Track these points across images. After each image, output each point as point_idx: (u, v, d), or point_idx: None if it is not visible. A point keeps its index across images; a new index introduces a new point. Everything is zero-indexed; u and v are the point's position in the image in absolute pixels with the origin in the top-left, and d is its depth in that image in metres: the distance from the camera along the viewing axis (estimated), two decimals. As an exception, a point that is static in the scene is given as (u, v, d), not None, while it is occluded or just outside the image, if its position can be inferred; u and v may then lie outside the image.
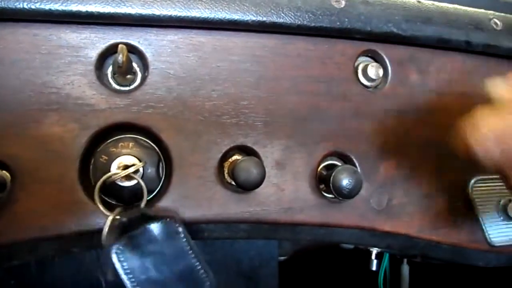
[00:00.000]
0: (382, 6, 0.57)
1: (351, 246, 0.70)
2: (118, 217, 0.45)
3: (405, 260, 0.90)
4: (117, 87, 0.51)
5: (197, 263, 0.47)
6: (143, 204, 0.46)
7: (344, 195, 0.52)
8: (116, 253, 0.45)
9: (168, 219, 0.45)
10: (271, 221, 0.54)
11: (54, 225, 0.47)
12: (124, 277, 0.46)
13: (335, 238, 0.60)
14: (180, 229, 0.46)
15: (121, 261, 0.46)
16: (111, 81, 0.51)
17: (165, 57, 0.51)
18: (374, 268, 0.74)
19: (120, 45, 0.45)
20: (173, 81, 0.52)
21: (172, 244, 0.46)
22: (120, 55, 0.44)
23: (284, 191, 0.55)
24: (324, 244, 1.10)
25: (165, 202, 0.51)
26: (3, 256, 0.48)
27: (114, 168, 0.46)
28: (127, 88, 0.51)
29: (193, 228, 0.54)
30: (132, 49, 0.51)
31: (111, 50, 0.51)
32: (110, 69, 0.51)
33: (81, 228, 0.48)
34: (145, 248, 0.46)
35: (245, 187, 0.48)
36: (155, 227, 0.46)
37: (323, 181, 0.57)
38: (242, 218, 0.54)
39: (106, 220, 0.45)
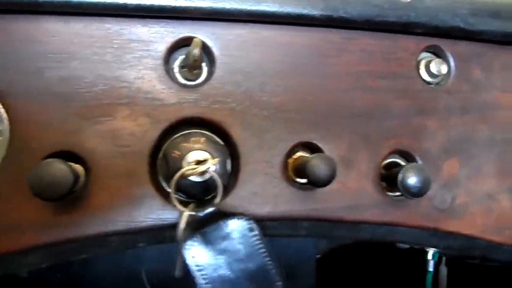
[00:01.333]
0: (449, 0, 0.55)
1: (407, 246, 0.69)
2: (192, 212, 0.45)
3: (444, 260, 0.89)
4: (184, 81, 0.51)
5: (270, 263, 0.46)
6: (218, 200, 0.46)
7: (413, 194, 0.51)
8: (188, 249, 0.45)
9: (242, 217, 0.45)
10: (336, 219, 0.53)
11: (125, 219, 0.47)
12: (196, 274, 0.46)
13: (394, 238, 0.59)
14: (254, 227, 0.45)
15: (193, 257, 0.45)
16: (177, 75, 0.51)
17: (231, 51, 0.51)
18: (431, 268, 0.72)
19: (195, 39, 0.44)
20: (240, 75, 0.51)
21: (246, 242, 0.46)
22: (196, 49, 0.44)
23: (348, 189, 0.54)
24: (360, 242, 1.08)
25: (232, 199, 0.50)
26: (75, 250, 0.48)
27: (186, 163, 0.46)
28: (194, 83, 0.51)
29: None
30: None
31: (179, 44, 0.50)
32: (176, 63, 0.51)
33: (151, 223, 0.47)
34: (218, 245, 0.46)
35: (318, 184, 0.47)
36: (229, 224, 0.45)
37: (385, 179, 0.56)
38: (307, 216, 0.53)
39: (181, 215, 0.44)
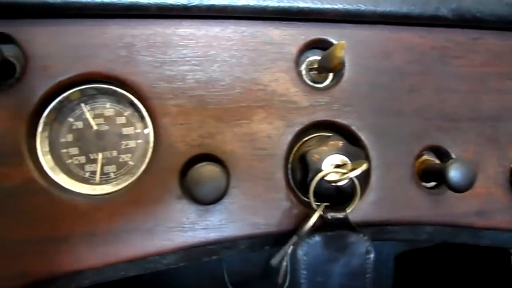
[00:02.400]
0: None
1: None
2: (328, 214, 0.44)
3: None
4: (312, 84, 0.50)
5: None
6: (352, 208, 0.45)
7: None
8: (304, 246, 0.44)
9: (365, 236, 0.44)
10: (465, 224, 0.52)
11: (264, 223, 0.47)
12: (301, 272, 0.45)
13: (516, 244, 0.57)
14: (371, 250, 0.44)
15: (305, 255, 0.44)
16: (305, 78, 0.51)
17: (360, 52, 0.50)
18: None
19: (341, 42, 0.44)
20: (369, 77, 0.50)
21: (358, 260, 0.44)
22: (342, 51, 0.43)
23: (477, 194, 0.52)
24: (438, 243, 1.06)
25: (362, 204, 0.49)
26: (209, 252, 0.48)
27: (326, 167, 0.45)
28: (323, 85, 0.51)
29: (379, 229, 0.52)
30: (327, 46, 0.50)
31: (309, 46, 0.50)
32: (303, 66, 0.51)
33: (288, 227, 0.47)
34: (332, 253, 0.45)
35: (458, 189, 0.46)
36: (351, 238, 0.44)
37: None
38: (435, 221, 0.52)
39: (314, 213, 0.44)
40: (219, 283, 0.92)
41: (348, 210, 0.45)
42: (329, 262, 0.45)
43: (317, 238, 0.44)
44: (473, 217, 0.52)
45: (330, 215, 0.45)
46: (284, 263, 0.59)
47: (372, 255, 0.45)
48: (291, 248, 0.48)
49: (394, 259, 1.01)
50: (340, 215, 0.46)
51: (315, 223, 0.45)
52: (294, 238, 0.46)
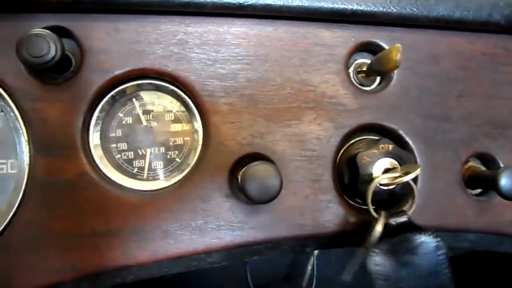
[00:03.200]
0: None
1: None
2: (390, 220, 0.44)
3: None
4: (360, 86, 0.50)
5: (450, 283, 0.44)
6: (411, 211, 0.44)
7: None
8: (374, 256, 0.44)
9: (431, 233, 0.43)
10: (511, 233, 0.51)
11: (312, 224, 0.46)
12: (378, 282, 0.45)
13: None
14: (441, 246, 0.43)
15: (377, 265, 0.44)
16: (354, 80, 0.50)
17: (409, 56, 0.50)
18: None
19: (397, 45, 0.43)
20: (417, 82, 0.50)
21: (430, 259, 0.44)
22: (398, 54, 0.43)
23: (523, 203, 0.51)
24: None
25: (412, 209, 0.48)
26: (251, 252, 0.48)
27: (376, 170, 0.45)
28: (371, 88, 0.50)
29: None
30: (377, 49, 0.50)
31: (358, 49, 0.50)
32: (352, 68, 0.51)
33: (335, 229, 0.47)
34: (402, 257, 0.44)
35: (510, 197, 0.45)
36: (417, 238, 0.44)
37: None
38: (479, 229, 0.51)
39: (377, 222, 0.43)
40: (242, 284, 0.92)
41: (409, 212, 0.45)
42: (403, 267, 0.44)
43: (384, 246, 0.43)
44: (520, 226, 0.51)
45: (393, 220, 0.45)
46: (309, 267, 0.58)
47: (443, 250, 0.44)
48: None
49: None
50: (403, 218, 0.45)
51: (380, 232, 0.44)
52: (362, 250, 0.46)
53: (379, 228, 0.43)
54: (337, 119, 0.48)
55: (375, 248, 0.44)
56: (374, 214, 0.44)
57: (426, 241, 0.44)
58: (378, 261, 0.44)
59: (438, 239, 0.44)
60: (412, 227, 0.44)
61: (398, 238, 0.44)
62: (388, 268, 0.45)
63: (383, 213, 0.45)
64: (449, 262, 0.44)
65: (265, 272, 0.95)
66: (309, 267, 0.63)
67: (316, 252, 0.86)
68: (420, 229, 0.44)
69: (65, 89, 0.43)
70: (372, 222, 0.44)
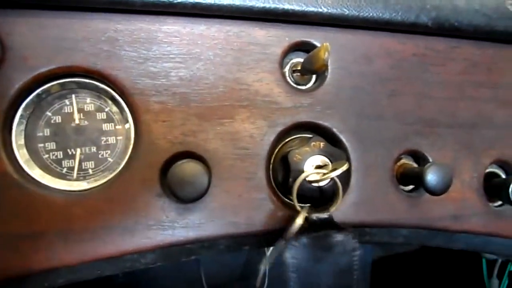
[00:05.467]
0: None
1: (494, 257, 0.68)
2: (312, 215, 0.44)
3: (495, 273, 0.88)
4: (296, 85, 0.51)
5: (355, 285, 0.46)
6: (335, 208, 0.45)
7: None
8: (291, 248, 0.44)
9: (350, 233, 0.44)
10: (441, 228, 0.53)
11: (245, 222, 0.46)
12: (290, 274, 0.45)
13: (489, 248, 0.59)
14: (357, 247, 0.44)
15: (293, 257, 0.44)
16: (289, 79, 0.51)
17: (343, 56, 0.51)
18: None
19: (325, 44, 0.44)
20: (351, 81, 0.51)
21: (345, 259, 0.45)
22: (326, 53, 0.44)
23: (452, 198, 0.53)
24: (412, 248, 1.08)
25: (342, 205, 0.50)
26: (187, 251, 0.47)
27: (307, 167, 0.46)
28: (307, 87, 0.51)
29: (358, 231, 0.53)
30: (311, 48, 0.51)
31: (292, 48, 0.50)
32: (287, 67, 0.51)
33: (269, 227, 0.47)
34: (319, 253, 0.45)
35: (435, 192, 0.47)
36: (337, 236, 0.44)
37: (485, 189, 0.55)
38: (411, 224, 0.53)
39: (299, 215, 0.44)
40: (196, 286, 0.91)
41: (332, 210, 0.46)
42: (317, 263, 0.45)
43: (303, 240, 0.44)
44: (448, 221, 0.53)
45: (315, 216, 0.45)
46: (263, 267, 0.58)
47: (358, 252, 0.45)
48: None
49: (371, 265, 1.02)
50: (324, 215, 0.46)
51: (301, 225, 0.45)
52: (281, 242, 0.46)
53: (299, 220, 0.44)
54: (271, 118, 0.48)
55: (294, 241, 0.45)
56: (298, 207, 0.45)
57: (345, 240, 0.45)
58: (295, 254, 0.45)
59: (355, 240, 0.45)
60: (333, 225, 0.45)
61: (318, 234, 0.45)
62: (303, 262, 0.45)
63: (306, 207, 0.45)
64: (360, 264, 0.46)
65: (219, 273, 0.94)
66: (262, 267, 0.63)
67: (268, 252, 0.86)
68: (341, 228, 0.45)
69: (-15, 87, 0.41)
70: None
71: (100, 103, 0.47)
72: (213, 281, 0.92)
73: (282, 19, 0.48)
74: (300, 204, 0.46)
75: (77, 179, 0.46)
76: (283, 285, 0.46)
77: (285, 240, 0.45)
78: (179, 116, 0.46)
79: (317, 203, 0.47)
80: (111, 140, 0.47)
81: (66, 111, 0.46)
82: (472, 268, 0.92)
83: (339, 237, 0.45)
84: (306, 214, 0.45)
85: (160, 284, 0.90)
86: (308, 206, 0.46)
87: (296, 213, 0.45)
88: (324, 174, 0.44)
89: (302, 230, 0.45)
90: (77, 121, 0.46)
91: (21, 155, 0.43)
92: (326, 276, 0.45)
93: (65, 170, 0.46)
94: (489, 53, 0.56)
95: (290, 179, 0.46)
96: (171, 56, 0.46)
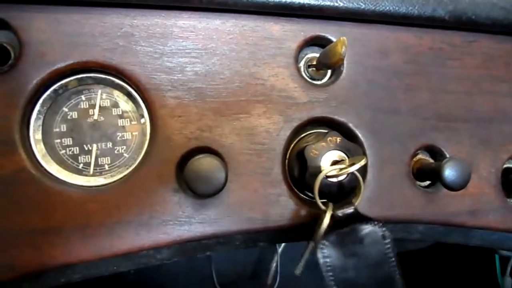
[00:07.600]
0: None
1: (510, 253, 0.67)
2: (337, 212, 0.44)
3: (509, 271, 0.87)
4: (311, 80, 0.50)
5: (397, 272, 0.45)
6: (357, 202, 0.45)
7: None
8: (322, 248, 0.44)
9: (377, 223, 0.44)
10: (458, 223, 0.52)
11: (261, 218, 0.46)
12: (326, 274, 0.45)
13: (505, 245, 0.58)
14: (387, 235, 0.44)
15: (325, 257, 0.44)
16: (304, 74, 0.51)
17: (358, 50, 0.51)
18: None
19: (342, 38, 0.44)
20: (367, 76, 0.51)
21: (377, 249, 0.44)
22: (343, 47, 0.43)
23: (470, 194, 0.53)
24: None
25: (359, 200, 0.49)
26: (203, 247, 0.47)
27: (324, 163, 0.45)
28: (322, 82, 0.51)
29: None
30: (326, 43, 0.50)
31: (308, 42, 0.50)
32: (302, 62, 0.51)
33: (285, 223, 0.47)
34: (351, 248, 0.45)
35: (453, 188, 0.47)
36: (364, 229, 0.44)
37: (502, 185, 0.55)
38: (428, 220, 0.52)
39: (324, 214, 0.43)
40: (208, 284, 0.91)
41: (356, 203, 0.45)
42: (351, 258, 0.45)
43: (332, 238, 0.43)
44: (465, 216, 0.52)
45: (339, 212, 0.45)
46: (274, 264, 0.57)
47: (389, 239, 0.44)
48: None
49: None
50: (350, 209, 0.45)
51: (328, 224, 0.44)
52: (311, 244, 0.46)
53: (326, 220, 0.43)
54: (287, 113, 0.48)
55: (324, 240, 0.44)
56: (321, 206, 0.44)
57: (373, 230, 0.44)
58: (326, 253, 0.44)
59: (384, 228, 0.44)
60: (359, 218, 0.45)
61: (346, 229, 0.44)
62: (336, 259, 0.45)
63: (330, 205, 0.45)
64: (395, 251, 0.45)
65: (230, 271, 0.94)
66: (273, 265, 0.62)
67: (280, 249, 0.86)
68: (367, 219, 0.44)
69: (3, 83, 0.41)
70: (321, 214, 0.45)
71: (116, 99, 0.47)
72: (224, 279, 0.92)
73: (298, 13, 0.48)
74: (322, 200, 0.45)
75: (93, 175, 0.46)
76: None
77: (314, 241, 0.45)
78: (195, 111, 0.46)
79: (335, 198, 0.47)
80: (127, 135, 0.47)
81: (82, 106, 0.46)
82: (486, 266, 0.91)
83: (366, 228, 0.44)
84: (332, 212, 0.44)
85: (171, 282, 0.90)
86: (332, 203, 0.46)
87: (319, 210, 0.45)
88: (342, 169, 0.43)
89: (329, 228, 0.45)
90: (94, 117, 0.46)
91: (39, 150, 0.43)
92: (362, 270, 0.45)
93: (81, 165, 0.46)
94: (507, 47, 0.55)
95: (307, 175, 0.45)
96: (186, 51, 0.46)
